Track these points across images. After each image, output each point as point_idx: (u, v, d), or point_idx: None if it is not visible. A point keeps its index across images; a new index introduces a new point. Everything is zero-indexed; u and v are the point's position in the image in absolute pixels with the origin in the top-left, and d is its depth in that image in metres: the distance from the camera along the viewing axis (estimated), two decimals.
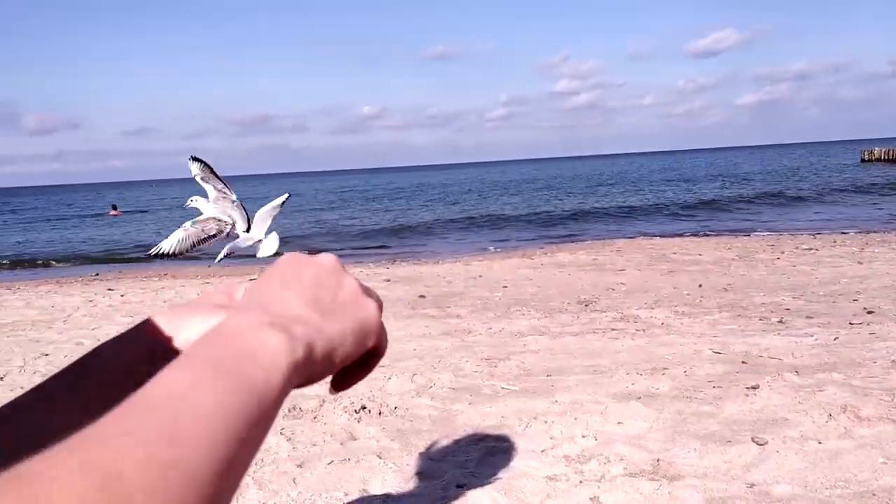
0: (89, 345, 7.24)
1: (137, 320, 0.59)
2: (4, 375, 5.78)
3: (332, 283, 0.54)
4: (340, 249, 18.20)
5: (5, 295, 10.88)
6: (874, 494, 3.00)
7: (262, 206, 6.29)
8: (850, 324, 6.16)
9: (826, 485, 3.13)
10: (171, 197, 64.70)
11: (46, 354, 6.50)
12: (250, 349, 0.43)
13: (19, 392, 0.55)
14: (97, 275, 14.61)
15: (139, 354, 0.57)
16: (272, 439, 4.10)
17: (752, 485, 3.18)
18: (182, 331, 0.57)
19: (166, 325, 0.58)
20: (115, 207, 41.51)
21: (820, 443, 3.56)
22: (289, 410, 4.54)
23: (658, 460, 3.49)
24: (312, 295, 0.51)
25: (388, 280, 10.41)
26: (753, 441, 3.62)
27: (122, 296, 10.02)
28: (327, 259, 0.56)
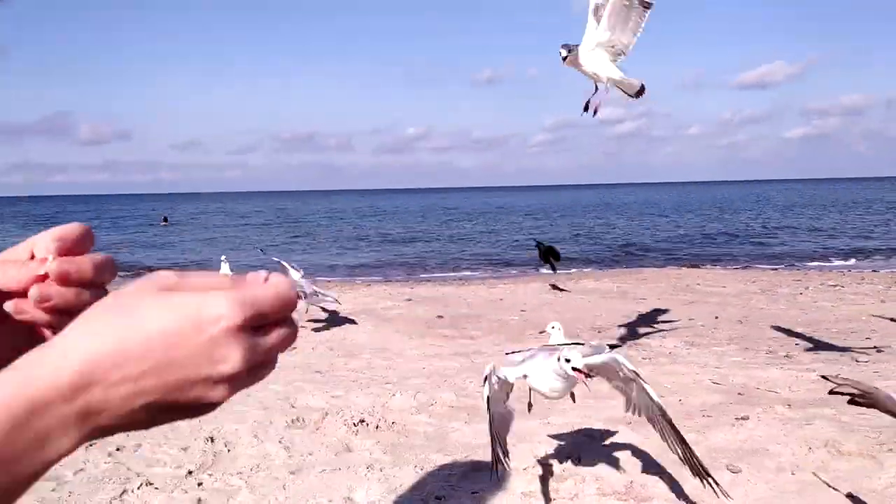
0: None
1: None
2: None
3: (203, 354, 0.48)
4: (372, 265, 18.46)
5: None
6: None
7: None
8: (856, 361, 6.17)
9: None
10: (215, 210, 66.16)
11: None
12: (41, 438, 0.45)
13: None
14: None
15: None
16: (271, 448, 4.32)
17: None
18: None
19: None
20: (165, 219, 42.83)
21: (793, 474, 3.65)
22: (292, 421, 4.75)
23: (631, 482, 3.62)
24: (166, 360, 0.48)
25: (410, 300, 10.62)
26: (728, 469, 3.72)
27: None
28: (219, 322, 0.49)
